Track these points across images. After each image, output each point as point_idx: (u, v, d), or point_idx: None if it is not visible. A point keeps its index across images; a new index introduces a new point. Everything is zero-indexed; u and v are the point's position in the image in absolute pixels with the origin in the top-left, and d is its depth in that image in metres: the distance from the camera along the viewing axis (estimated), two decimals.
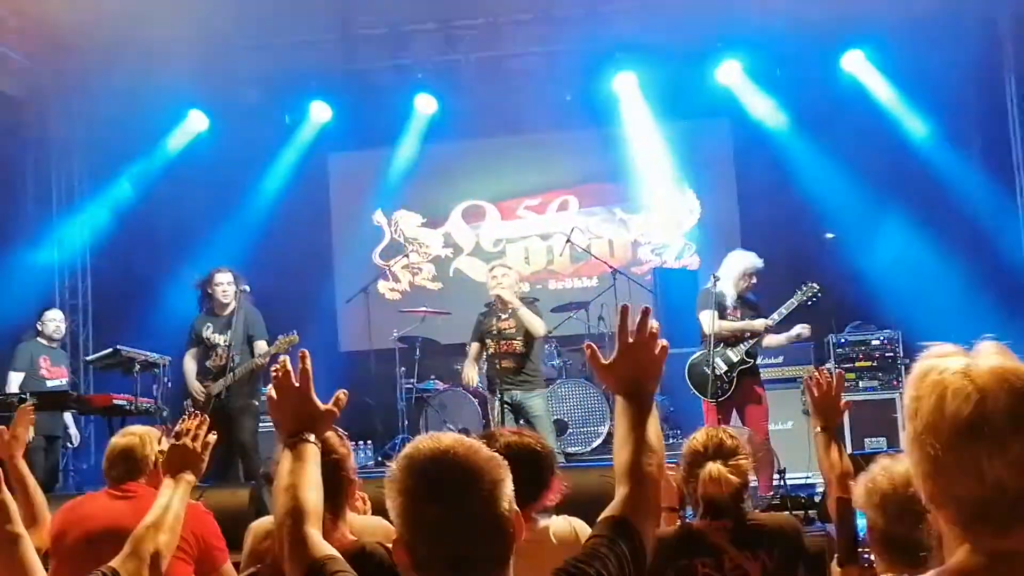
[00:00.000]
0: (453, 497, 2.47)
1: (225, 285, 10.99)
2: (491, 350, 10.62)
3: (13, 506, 3.45)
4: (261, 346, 10.90)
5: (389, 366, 13.22)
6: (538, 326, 10.59)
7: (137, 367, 10.61)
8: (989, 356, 2.02)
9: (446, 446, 2.54)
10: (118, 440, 5.46)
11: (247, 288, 11.07)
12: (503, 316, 10.62)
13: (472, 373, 10.96)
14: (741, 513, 4.53)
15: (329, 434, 3.84)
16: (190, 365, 11.11)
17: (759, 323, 10.11)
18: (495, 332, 10.61)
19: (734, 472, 4.51)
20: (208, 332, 11.01)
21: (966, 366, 2.00)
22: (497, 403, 10.42)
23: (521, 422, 10.32)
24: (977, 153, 13.47)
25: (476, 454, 2.54)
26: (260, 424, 11.03)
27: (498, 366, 10.51)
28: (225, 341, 10.83)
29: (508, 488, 2.54)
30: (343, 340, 14.87)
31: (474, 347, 10.92)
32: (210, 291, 11.09)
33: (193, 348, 11.17)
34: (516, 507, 2.56)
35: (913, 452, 2.04)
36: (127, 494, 5.27)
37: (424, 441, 2.58)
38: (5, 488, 3.44)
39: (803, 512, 8.93)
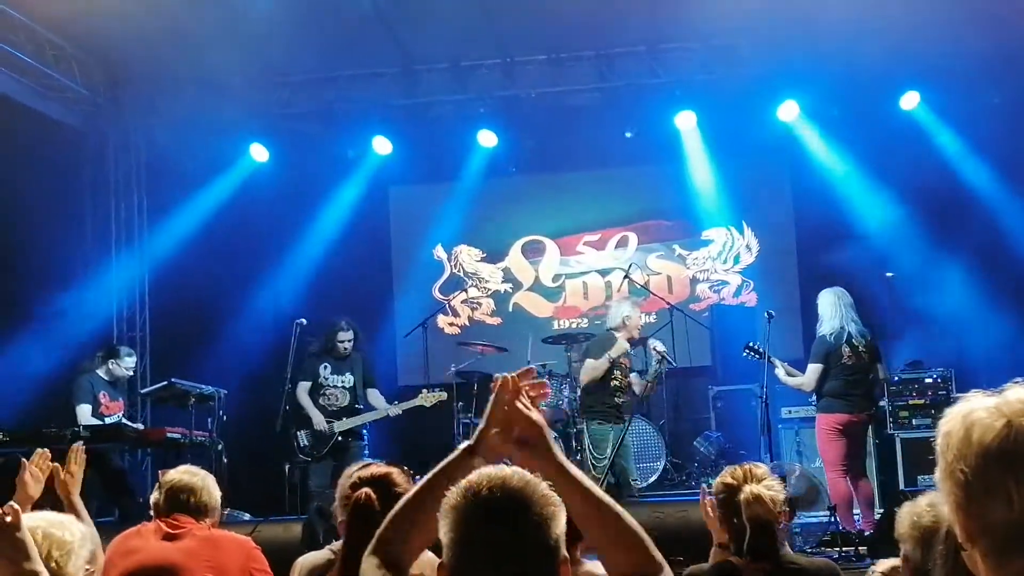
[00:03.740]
0: (506, 519, 2.50)
1: (347, 343, 11.95)
2: (617, 382, 11.07)
3: (31, 543, 3.50)
4: (375, 394, 12.07)
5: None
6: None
7: (192, 400, 10.75)
8: (1017, 392, 2.06)
9: (505, 475, 2.58)
10: (180, 476, 5.53)
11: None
12: (628, 353, 11.17)
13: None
14: (779, 555, 4.49)
15: (394, 469, 4.10)
16: (306, 399, 11.89)
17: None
18: (626, 368, 11.22)
19: (772, 489, 4.49)
20: (325, 372, 11.91)
21: (995, 402, 2.05)
22: (611, 435, 10.86)
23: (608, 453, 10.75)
24: None
25: (533, 486, 2.57)
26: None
27: (623, 400, 11.13)
28: (343, 384, 11.99)
29: (560, 524, 2.56)
30: (401, 374, 14.87)
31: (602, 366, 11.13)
32: (330, 343, 11.97)
33: (308, 383, 11.94)
34: (565, 551, 2.58)
35: (945, 484, 2.08)
36: (179, 530, 5.32)
37: (485, 469, 2.63)
38: (24, 527, 3.49)
39: (854, 547, 8.89)
